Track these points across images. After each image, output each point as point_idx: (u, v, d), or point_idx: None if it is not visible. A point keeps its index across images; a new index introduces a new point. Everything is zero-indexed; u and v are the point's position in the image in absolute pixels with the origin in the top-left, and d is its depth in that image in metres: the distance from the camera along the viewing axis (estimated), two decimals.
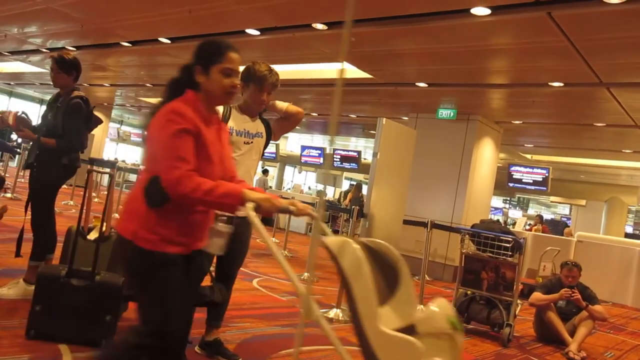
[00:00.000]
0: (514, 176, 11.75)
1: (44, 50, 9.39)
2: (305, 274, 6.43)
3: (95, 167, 7.06)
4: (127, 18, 6.59)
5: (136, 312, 1.85)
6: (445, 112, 8.68)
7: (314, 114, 11.85)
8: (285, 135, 15.67)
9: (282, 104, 3.10)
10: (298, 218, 9.52)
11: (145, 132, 1.89)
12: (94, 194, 10.18)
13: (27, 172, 3.83)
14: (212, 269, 2.98)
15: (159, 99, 1.96)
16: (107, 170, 8.25)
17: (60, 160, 3.60)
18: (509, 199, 28.86)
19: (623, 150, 10.54)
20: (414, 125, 8.89)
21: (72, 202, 9.76)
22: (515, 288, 4.81)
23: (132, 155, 25.37)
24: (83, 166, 4.10)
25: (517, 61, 5.92)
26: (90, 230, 3.49)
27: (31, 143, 3.80)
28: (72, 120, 3.60)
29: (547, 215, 24.90)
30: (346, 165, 14.79)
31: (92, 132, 4.25)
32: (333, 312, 4.66)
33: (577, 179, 17.53)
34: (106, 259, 3.21)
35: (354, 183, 14.65)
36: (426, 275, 6.23)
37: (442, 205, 8.60)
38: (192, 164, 1.76)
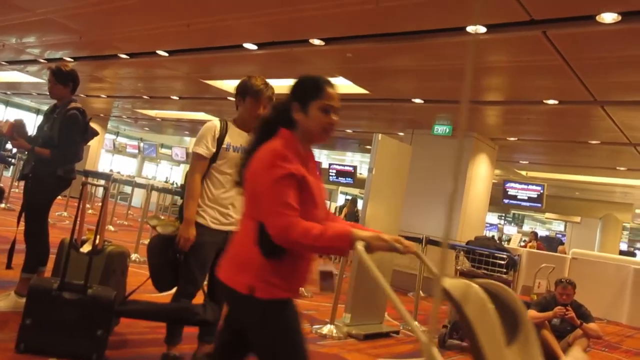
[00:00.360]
0: (509, 192, 11.77)
1: (42, 60, 9.41)
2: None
3: (90, 179, 7.04)
4: (126, 30, 6.62)
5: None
6: (440, 129, 8.72)
7: None
8: None
9: None
10: None
11: (243, 175, 1.83)
12: (88, 206, 10.14)
13: (21, 183, 3.81)
14: (204, 283, 2.96)
15: (251, 139, 1.90)
16: (102, 182, 8.21)
17: (55, 172, 3.58)
18: (504, 215, 28.95)
19: (617, 168, 10.59)
20: (410, 141, 8.92)
21: (66, 214, 9.69)
22: None
23: (127, 166, 25.34)
24: (78, 177, 4.09)
25: (513, 79, 5.98)
26: (83, 242, 3.45)
27: (27, 154, 3.79)
28: (68, 131, 3.60)
29: (542, 232, 24.89)
30: (342, 179, 14.76)
31: (88, 144, 4.24)
32: (327, 329, 4.62)
33: (572, 195, 17.58)
34: (99, 272, 3.18)
35: (349, 198, 14.63)
36: (420, 291, 6.21)
37: (437, 221, 8.59)
38: (297, 210, 1.70)
